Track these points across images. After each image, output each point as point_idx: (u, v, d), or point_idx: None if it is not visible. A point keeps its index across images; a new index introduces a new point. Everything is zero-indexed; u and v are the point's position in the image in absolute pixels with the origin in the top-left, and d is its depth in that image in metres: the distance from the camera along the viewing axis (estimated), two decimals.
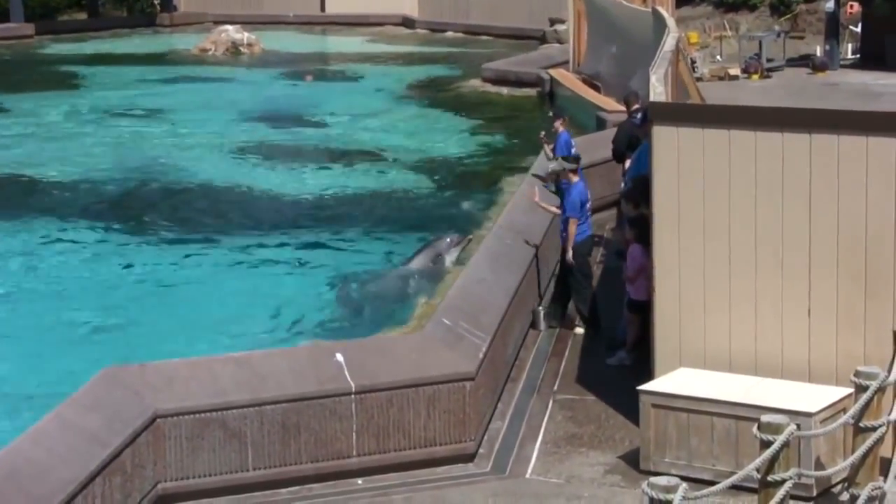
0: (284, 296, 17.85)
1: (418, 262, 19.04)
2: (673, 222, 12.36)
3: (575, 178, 16.18)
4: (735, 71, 31.39)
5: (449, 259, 18.88)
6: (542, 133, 20.14)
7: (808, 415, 11.01)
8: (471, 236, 19.25)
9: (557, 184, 18.86)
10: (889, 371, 10.89)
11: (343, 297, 17.90)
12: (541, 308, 16.29)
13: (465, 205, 23.02)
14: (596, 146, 21.52)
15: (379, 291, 18.06)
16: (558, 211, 16.47)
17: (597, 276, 17.28)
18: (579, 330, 15.98)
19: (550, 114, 21.16)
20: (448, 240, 19.35)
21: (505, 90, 36.46)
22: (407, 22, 53.42)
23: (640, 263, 14.29)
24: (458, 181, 25.46)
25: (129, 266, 19.69)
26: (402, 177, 26.06)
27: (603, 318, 15.84)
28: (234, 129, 31.79)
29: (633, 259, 14.58)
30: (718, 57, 35.48)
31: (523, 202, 18.53)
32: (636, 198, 14.73)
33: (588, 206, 16.14)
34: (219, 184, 25.53)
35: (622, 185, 17.10)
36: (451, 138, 30.42)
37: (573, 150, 18.94)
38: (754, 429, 9.44)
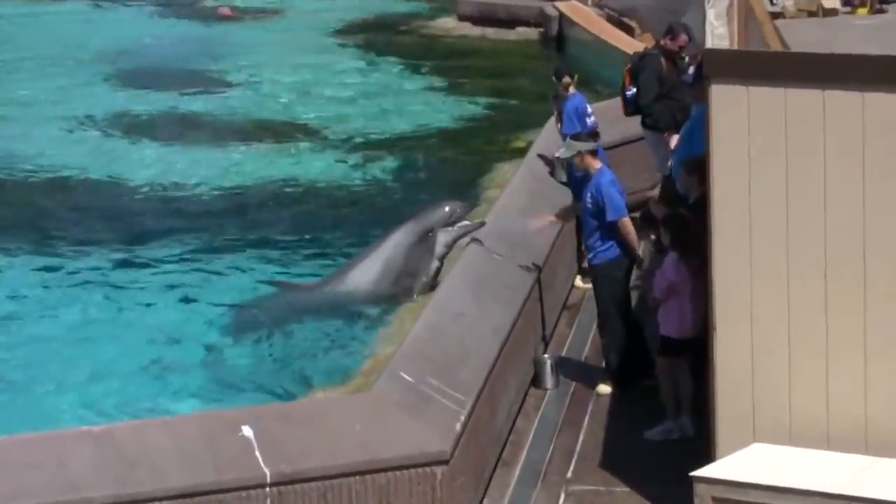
0: (167, 337, 17.93)
1: (393, 246, 18.71)
2: (741, 227, 12.27)
3: (596, 165, 15.99)
4: (832, 3, 31.45)
5: (443, 240, 18.47)
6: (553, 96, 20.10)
7: None
8: (481, 218, 18.63)
9: (570, 173, 18.76)
10: None
11: (255, 339, 17.90)
12: (546, 356, 16.21)
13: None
14: (623, 117, 21.39)
15: (309, 328, 18.07)
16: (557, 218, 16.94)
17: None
18: (605, 388, 15.87)
19: (553, 72, 21.10)
20: (445, 209, 18.89)
21: (491, 32, 36.85)
22: None
23: (671, 280, 14.20)
24: (426, 167, 25.84)
25: None
26: (345, 161, 26.31)
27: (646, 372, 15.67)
28: (104, 94, 32.14)
29: (661, 273, 14.47)
30: None
31: (520, 199, 18.63)
32: (674, 194, 14.75)
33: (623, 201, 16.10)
34: (82, 175, 25.75)
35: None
36: (414, 104, 30.73)
37: (589, 121, 18.78)
38: None
